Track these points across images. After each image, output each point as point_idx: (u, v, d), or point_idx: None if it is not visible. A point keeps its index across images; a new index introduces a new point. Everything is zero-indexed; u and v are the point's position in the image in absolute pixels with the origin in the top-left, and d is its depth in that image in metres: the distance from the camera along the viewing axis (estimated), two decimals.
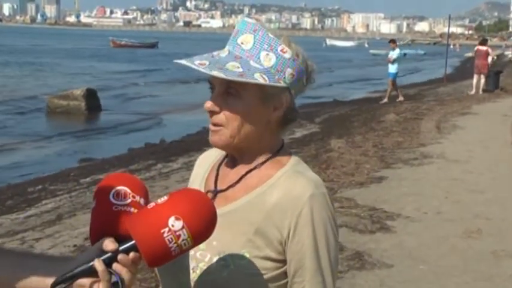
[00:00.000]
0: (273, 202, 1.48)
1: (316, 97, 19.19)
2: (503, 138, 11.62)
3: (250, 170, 1.54)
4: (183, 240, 1.29)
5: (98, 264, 1.28)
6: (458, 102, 18.57)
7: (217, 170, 1.63)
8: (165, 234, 1.28)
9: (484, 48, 21.12)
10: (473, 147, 10.93)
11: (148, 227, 1.29)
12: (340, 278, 4.80)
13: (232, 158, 1.59)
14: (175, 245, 1.28)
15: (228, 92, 1.48)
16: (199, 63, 1.44)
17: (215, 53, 1.50)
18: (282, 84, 1.49)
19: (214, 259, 1.48)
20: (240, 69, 1.45)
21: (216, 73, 1.42)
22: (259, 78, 1.45)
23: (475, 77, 21.14)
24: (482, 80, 21.11)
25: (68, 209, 7.22)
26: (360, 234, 6.00)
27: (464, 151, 10.52)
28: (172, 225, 1.28)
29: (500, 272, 5.26)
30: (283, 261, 1.48)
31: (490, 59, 21.32)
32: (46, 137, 14.56)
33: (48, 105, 18.02)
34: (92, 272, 1.29)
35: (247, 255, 1.47)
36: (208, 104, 1.50)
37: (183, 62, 1.46)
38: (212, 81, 1.50)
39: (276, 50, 1.49)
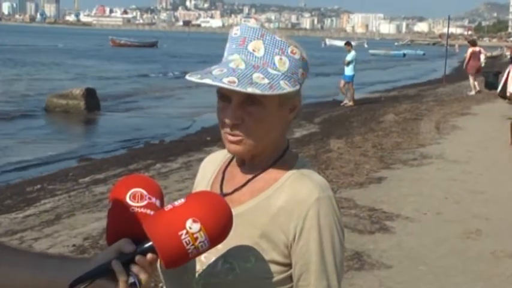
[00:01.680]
0: (278, 205, 1.48)
1: (315, 97, 19.22)
2: (502, 138, 11.62)
3: (258, 174, 1.54)
4: (200, 242, 1.31)
5: (116, 265, 1.29)
6: (458, 103, 18.58)
7: (223, 173, 1.62)
8: (183, 237, 1.29)
9: (477, 49, 21.25)
10: (473, 148, 10.93)
11: (166, 229, 1.30)
12: None
13: (240, 161, 1.58)
14: (192, 247, 1.30)
15: (248, 102, 1.45)
16: (229, 82, 1.39)
17: (232, 65, 1.45)
18: (298, 86, 1.49)
19: (220, 262, 1.48)
20: (267, 80, 1.42)
21: (251, 90, 1.39)
22: (285, 86, 1.44)
23: (471, 77, 21.19)
24: (477, 81, 21.20)
25: (66, 209, 7.21)
26: (359, 235, 6.00)
27: (464, 151, 10.53)
28: (190, 228, 1.30)
29: (499, 272, 5.26)
30: (289, 265, 1.48)
31: (482, 57, 21.37)
32: (45, 136, 14.56)
33: (47, 104, 18.01)
34: (109, 273, 1.30)
35: (253, 258, 1.46)
36: (229, 119, 1.46)
37: (208, 81, 1.39)
38: (227, 92, 1.45)
39: (287, 52, 1.47)
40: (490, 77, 23.03)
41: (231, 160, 1.62)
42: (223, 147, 1.57)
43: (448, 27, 30.90)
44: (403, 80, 32.62)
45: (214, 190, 1.60)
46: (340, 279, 1.50)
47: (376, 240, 5.91)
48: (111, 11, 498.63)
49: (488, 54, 59.41)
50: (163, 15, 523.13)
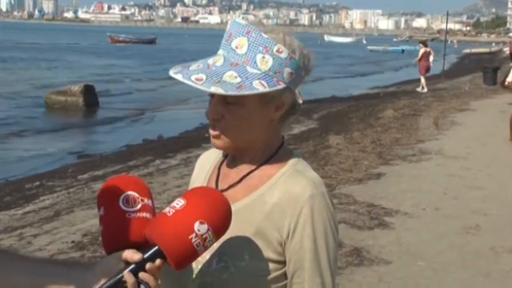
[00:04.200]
0: (272, 203, 1.48)
1: (314, 93, 19.20)
2: (501, 134, 11.63)
3: (252, 171, 1.53)
4: (209, 241, 1.33)
5: (128, 277, 1.30)
6: (456, 99, 18.59)
7: (219, 169, 1.62)
8: (193, 240, 1.31)
9: (428, 49, 21.79)
10: (471, 144, 10.94)
11: (176, 235, 1.31)
12: (338, 274, 4.79)
13: (234, 157, 1.58)
14: (202, 247, 1.33)
15: (228, 98, 1.45)
16: (195, 79, 1.41)
17: (210, 61, 1.46)
18: (281, 85, 1.46)
19: (214, 261, 1.48)
20: (238, 79, 1.41)
21: (214, 89, 1.39)
22: (259, 86, 1.42)
23: (423, 77, 21.63)
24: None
25: (65, 206, 7.21)
26: (358, 231, 6.00)
27: (463, 147, 10.53)
28: (199, 230, 1.31)
29: (498, 267, 5.26)
30: (283, 262, 1.48)
31: (431, 58, 21.86)
32: (44, 133, 14.55)
33: (46, 101, 18.00)
34: (120, 284, 1.30)
35: (247, 256, 1.46)
36: (209, 114, 1.49)
37: (179, 77, 1.42)
38: None
39: (272, 51, 1.45)
40: (489, 73, 23.06)
41: (226, 157, 1.62)
42: None
43: (447, 23, 30.89)
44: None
45: (206, 186, 1.60)
46: (335, 276, 1.50)
47: (375, 236, 5.91)
48: (109, 8, 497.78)
49: (487, 50, 59.53)
50: (162, 12, 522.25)
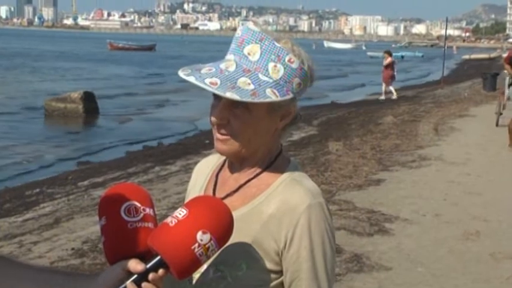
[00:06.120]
0: (270, 213, 1.47)
1: (313, 99, 19.22)
2: (500, 140, 11.64)
3: (250, 179, 1.53)
4: (211, 250, 1.34)
5: (132, 287, 1.31)
6: (456, 105, 18.60)
7: (216, 177, 1.61)
8: (196, 250, 1.31)
9: (393, 59, 22.03)
10: (471, 150, 10.95)
11: (179, 246, 1.32)
12: (338, 280, 4.81)
13: (232, 165, 1.57)
14: (205, 256, 1.33)
15: (235, 104, 1.44)
16: (210, 83, 1.40)
17: (222, 66, 1.45)
18: (290, 95, 1.47)
19: (211, 271, 1.48)
20: (252, 86, 1.42)
21: (229, 95, 1.39)
22: (271, 95, 1.42)
23: (386, 85, 21.74)
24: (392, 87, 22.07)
25: (65, 213, 7.20)
26: (358, 237, 6.00)
27: (462, 153, 10.54)
28: (201, 240, 1.32)
29: (498, 274, 5.26)
30: (281, 272, 1.47)
31: (395, 68, 22.06)
32: (43, 140, 14.54)
33: (45, 108, 17.98)
34: None
35: (244, 266, 1.46)
36: (215, 118, 1.48)
37: (191, 79, 1.41)
38: None
39: (284, 60, 1.45)
40: (489, 78, 23.08)
41: (224, 164, 1.62)
42: None
43: (446, 29, 30.94)
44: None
45: (207, 195, 1.59)
46: (332, 285, 1.50)
47: (375, 242, 5.91)
48: (109, 15, 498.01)
49: (486, 56, 59.58)
50: (161, 19, 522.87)
